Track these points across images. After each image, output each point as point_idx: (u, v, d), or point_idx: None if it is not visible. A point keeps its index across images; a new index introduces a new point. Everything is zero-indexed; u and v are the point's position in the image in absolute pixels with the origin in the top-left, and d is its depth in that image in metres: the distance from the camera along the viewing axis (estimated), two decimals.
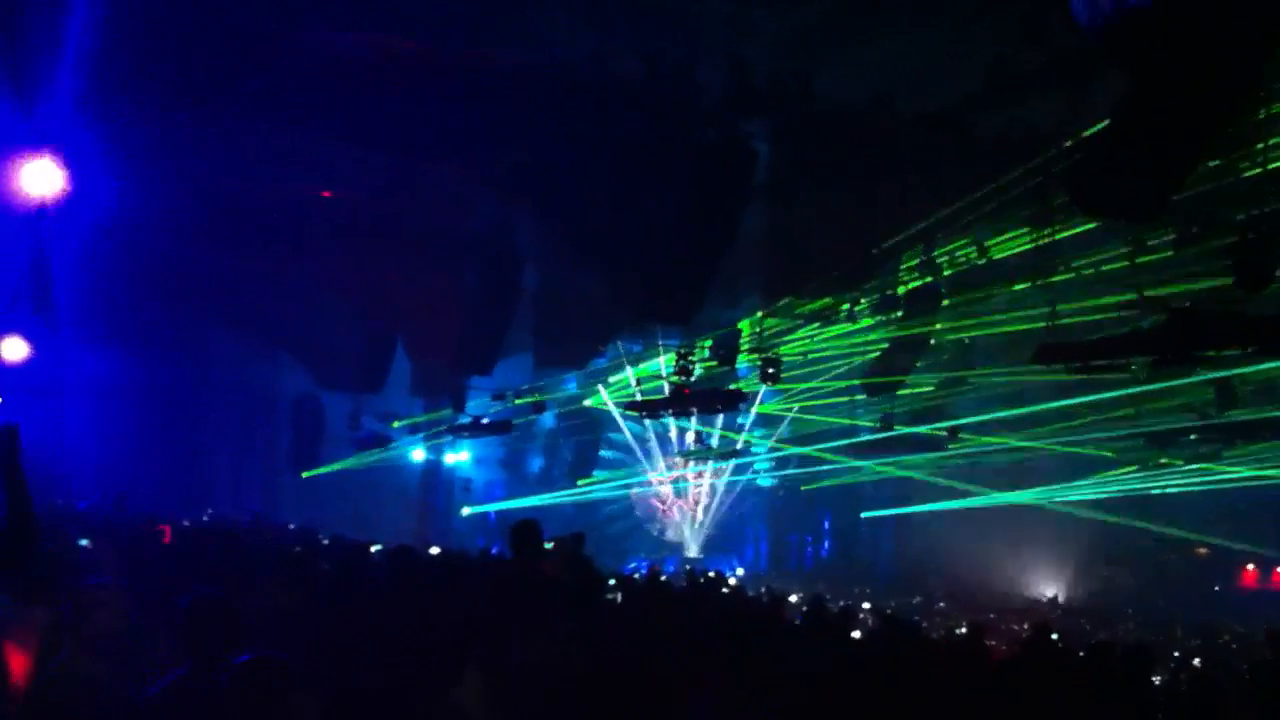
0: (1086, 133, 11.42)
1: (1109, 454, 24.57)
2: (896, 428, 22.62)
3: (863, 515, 31.64)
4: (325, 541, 15.87)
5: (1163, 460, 23.69)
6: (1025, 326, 17.58)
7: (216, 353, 25.98)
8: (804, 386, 26.30)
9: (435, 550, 16.61)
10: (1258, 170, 12.25)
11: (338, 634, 6.67)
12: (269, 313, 22.74)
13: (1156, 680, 9.89)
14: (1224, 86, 9.18)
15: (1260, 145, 11.40)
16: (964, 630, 13.20)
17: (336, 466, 27.17)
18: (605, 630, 7.35)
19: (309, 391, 26.79)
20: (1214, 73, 8.99)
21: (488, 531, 30.15)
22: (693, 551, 30.92)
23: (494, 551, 16.55)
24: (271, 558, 10.48)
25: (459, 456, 31.14)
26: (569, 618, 7.12)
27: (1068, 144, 12.39)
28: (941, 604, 24.66)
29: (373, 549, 14.95)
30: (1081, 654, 9.67)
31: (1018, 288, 17.53)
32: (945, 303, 18.93)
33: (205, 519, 19.17)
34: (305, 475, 27.15)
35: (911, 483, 28.74)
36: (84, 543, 10.31)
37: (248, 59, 13.50)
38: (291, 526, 19.76)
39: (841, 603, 16.24)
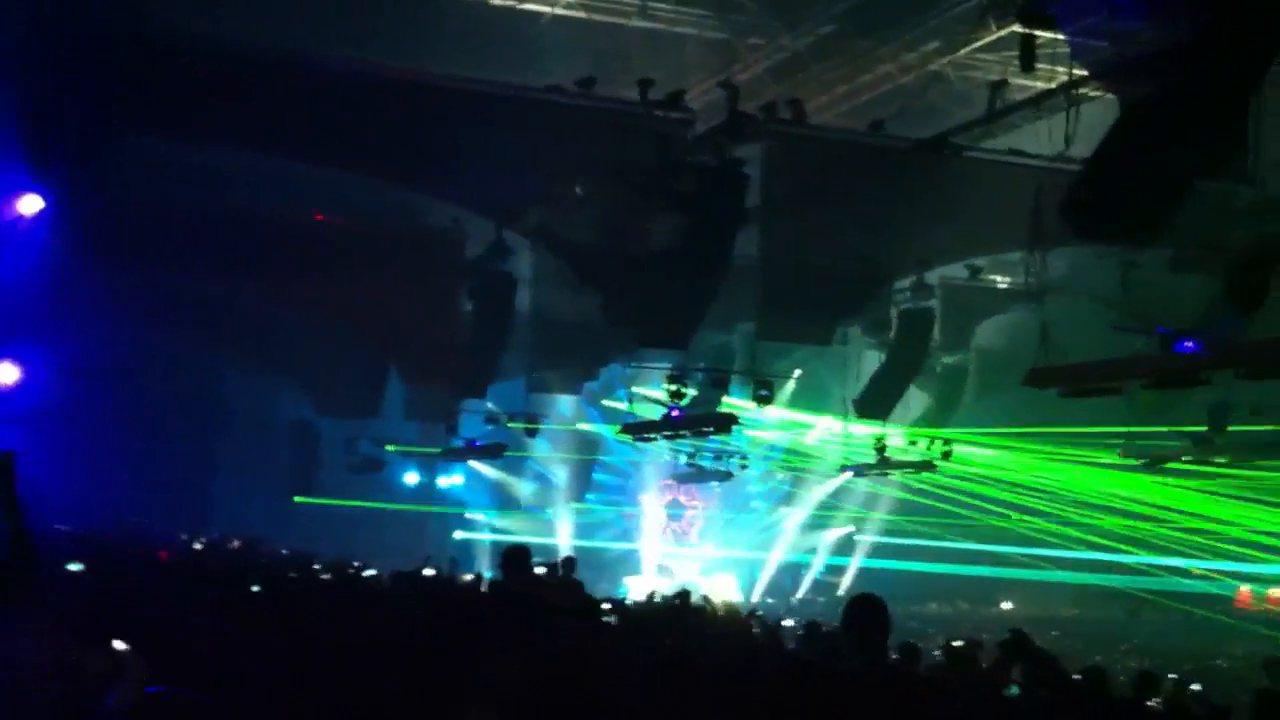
0: (1079, 156, 11.45)
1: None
2: (889, 451, 22.50)
3: (854, 538, 31.57)
4: (316, 567, 15.84)
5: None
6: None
7: (216, 377, 26.00)
8: (798, 408, 26.29)
9: (429, 572, 16.55)
10: (1252, 192, 12.32)
11: (331, 658, 6.65)
12: (268, 338, 22.75)
13: (1154, 703, 9.83)
14: (1217, 109, 9.25)
15: (1254, 171, 11.46)
16: (961, 644, 13.02)
17: (330, 500, 27.07)
18: (600, 653, 7.35)
19: (307, 417, 26.77)
20: (1208, 95, 9.06)
21: (482, 555, 30.03)
22: (687, 575, 30.76)
23: (487, 576, 16.51)
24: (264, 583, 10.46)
25: (453, 480, 31.00)
26: (564, 640, 7.12)
27: (1062, 167, 12.44)
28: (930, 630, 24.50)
29: (365, 574, 14.93)
30: (1078, 676, 9.61)
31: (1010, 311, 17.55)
32: (938, 325, 18.97)
33: (199, 545, 19.07)
34: (299, 501, 27.07)
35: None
36: (74, 567, 10.23)
37: (246, 83, 13.53)
38: (284, 551, 19.69)
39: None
